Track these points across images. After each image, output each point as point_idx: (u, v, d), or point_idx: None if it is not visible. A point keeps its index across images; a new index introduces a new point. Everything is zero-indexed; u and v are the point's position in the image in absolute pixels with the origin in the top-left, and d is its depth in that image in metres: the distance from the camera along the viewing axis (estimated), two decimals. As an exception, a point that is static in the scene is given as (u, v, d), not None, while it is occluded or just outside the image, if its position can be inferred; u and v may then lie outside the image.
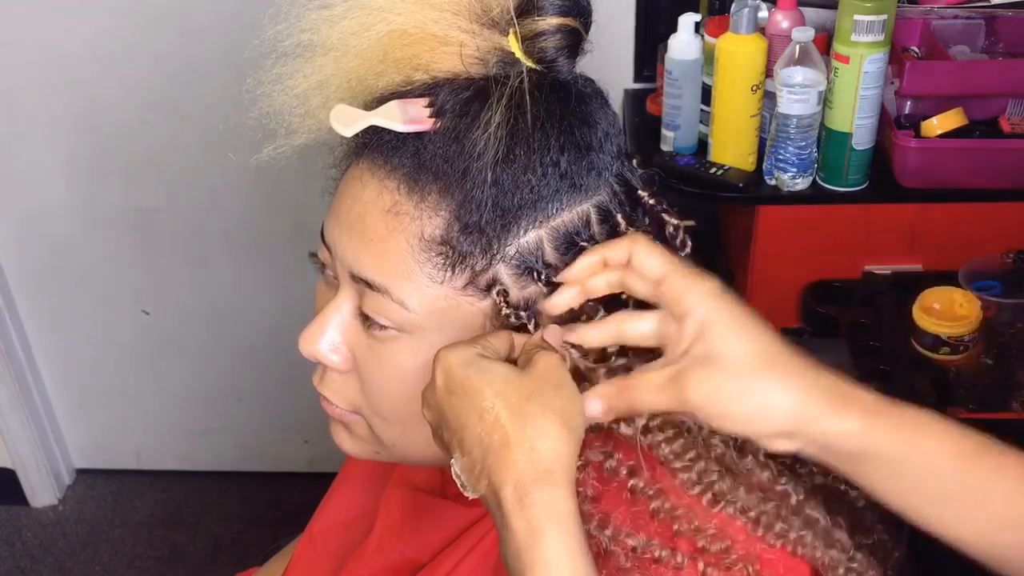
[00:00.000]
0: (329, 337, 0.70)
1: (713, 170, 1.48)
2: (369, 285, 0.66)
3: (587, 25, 0.68)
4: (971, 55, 1.52)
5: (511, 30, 0.65)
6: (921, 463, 0.60)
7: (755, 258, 1.55)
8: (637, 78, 1.76)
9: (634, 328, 0.64)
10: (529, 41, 0.65)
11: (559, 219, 0.65)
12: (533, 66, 0.66)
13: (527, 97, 0.63)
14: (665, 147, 1.55)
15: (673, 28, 1.48)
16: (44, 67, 1.85)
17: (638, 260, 0.63)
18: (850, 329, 1.46)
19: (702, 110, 1.53)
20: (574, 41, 0.67)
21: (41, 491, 2.31)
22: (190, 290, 2.12)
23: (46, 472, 2.29)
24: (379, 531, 0.80)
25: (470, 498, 0.60)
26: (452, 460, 0.61)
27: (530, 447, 0.57)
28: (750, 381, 0.59)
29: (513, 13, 0.65)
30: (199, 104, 1.83)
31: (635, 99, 1.73)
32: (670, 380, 0.60)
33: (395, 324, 0.66)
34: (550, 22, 0.65)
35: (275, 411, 2.25)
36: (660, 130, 1.55)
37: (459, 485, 0.61)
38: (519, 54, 0.65)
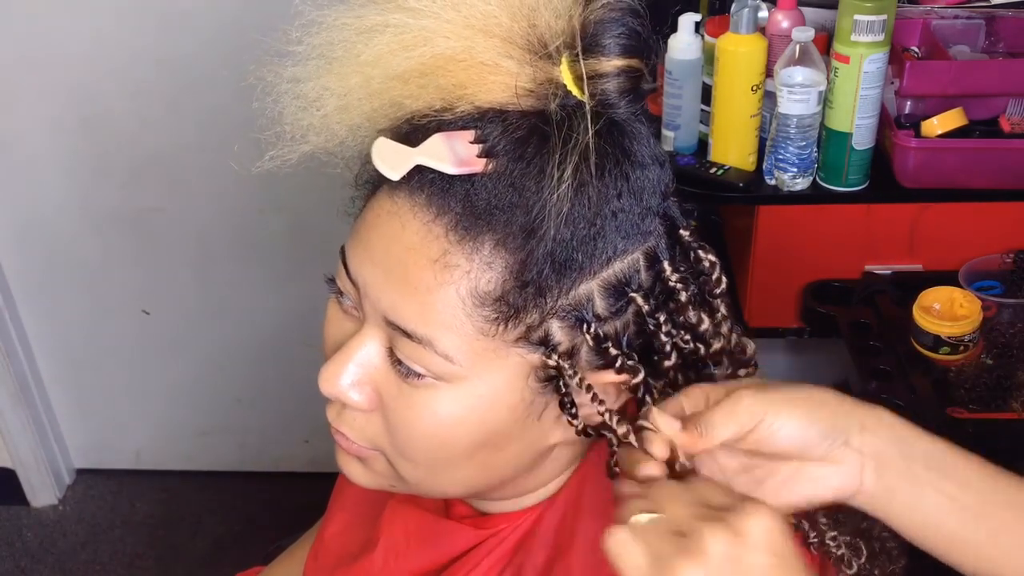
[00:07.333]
0: (352, 376, 0.64)
1: (713, 170, 1.48)
2: (408, 335, 0.61)
3: (649, 65, 0.62)
4: (971, 55, 1.52)
5: (569, 65, 0.60)
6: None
7: (755, 258, 1.55)
8: (637, 78, 1.76)
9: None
10: (590, 81, 0.60)
11: (611, 269, 0.62)
12: (591, 104, 0.60)
13: (591, 144, 0.58)
14: (665, 147, 1.55)
15: (673, 28, 1.48)
16: (44, 67, 1.85)
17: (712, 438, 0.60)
18: (850, 329, 1.46)
19: (702, 110, 1.53)
20: (637, 84, 0.62)
21: (41, 491, 2.31)
22: (190, 290, 2.12)
23: (46, 472, 2.29)
24: (383, 549, 0.78)
25: None
26: None
27: None
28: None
29: (579, 48, 0.59)
30: (199, 104, 1.84)
31: (635, 99, 1.73)
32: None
33: (435, 375, 0.61)
34: (615, 63, 0.60)
35: (275, 411, 2.25)
36: (660, 130, 1.55)
37: None
38: (577, 93, 0.60)
